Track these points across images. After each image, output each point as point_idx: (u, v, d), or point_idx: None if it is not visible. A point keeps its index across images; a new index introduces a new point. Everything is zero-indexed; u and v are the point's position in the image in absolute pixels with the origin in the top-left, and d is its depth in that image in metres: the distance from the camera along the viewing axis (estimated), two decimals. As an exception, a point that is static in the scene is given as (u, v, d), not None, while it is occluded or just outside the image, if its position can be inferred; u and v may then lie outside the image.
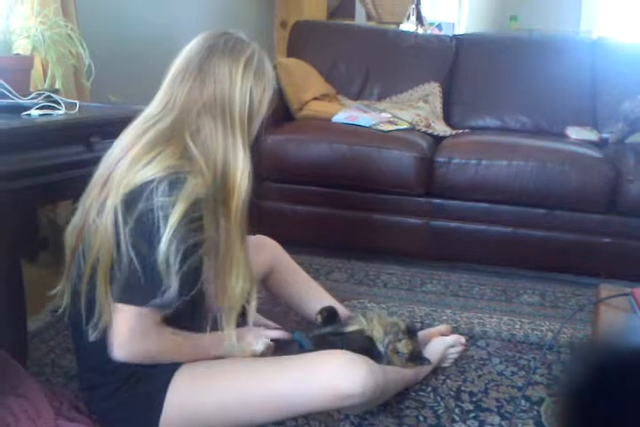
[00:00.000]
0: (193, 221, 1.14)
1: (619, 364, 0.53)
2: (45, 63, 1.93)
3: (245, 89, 1.23)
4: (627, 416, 0.51)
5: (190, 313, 1.23)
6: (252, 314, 1.32)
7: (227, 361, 1.29)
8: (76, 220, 1.25)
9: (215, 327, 1.27)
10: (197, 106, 1.21)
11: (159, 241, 1.10)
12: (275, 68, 2.68)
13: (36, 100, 1.61)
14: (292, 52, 3.13)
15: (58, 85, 1.91)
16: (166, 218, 1.10)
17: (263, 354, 1.34)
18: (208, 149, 1.21)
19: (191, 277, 1.17)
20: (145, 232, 1.12)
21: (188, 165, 1.16)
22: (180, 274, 1.13)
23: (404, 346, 1.50)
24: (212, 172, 1.20)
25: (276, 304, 1.87)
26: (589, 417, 0.53)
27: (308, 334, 1.47)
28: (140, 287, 1.14)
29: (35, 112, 1.56)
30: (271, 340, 1.37)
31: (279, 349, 1.37)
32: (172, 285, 1.12)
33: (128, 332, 1.16)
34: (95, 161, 1.25)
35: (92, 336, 1.18)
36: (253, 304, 1.31)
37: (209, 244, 1.19)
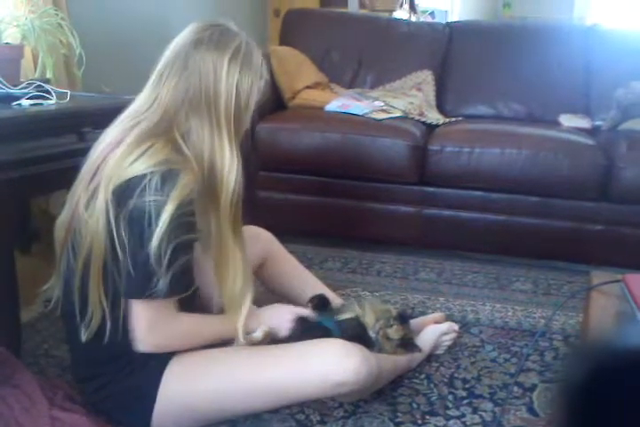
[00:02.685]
0: (185, 217, 1.14)
1: (616, 360, 0.53)
2: (36, 53, 1.92)
3: (231, 84, 1.21)
4: (625, 413, 0.51)
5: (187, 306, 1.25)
6: (247, 307, 1.32)
7: (221, 350, 1.30)
8: (65, 213, 1.25)
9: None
10: (184, 101, 1.20)
11: (151, 236, 1.11)
12: (267, 56, 2.68)
13: (26, 90, 1.60)
14: (284, 40, 3.11)
15: (49, 75, 1.90)
16: (158, 215, 1.11)
17: (261, 342, 1.34)
18: (195, 145, 1.21)
19: (187, 273, 1.19)
20: (138, 228, 1.12)
21: (179, 161, 1.16)
22: (173, 268, 1.14)
23: (394, 332, 1.50)
24: (200, 168, 1.19)
25: (270, 294, 1.87)
26: (587, 414, 0.53)
27: (335, 318, 1.48)
28: (136, 282, 1.15)
29: (25, 102, 1.55)
30: (299, 320, 1.39)
31: (306, 332, 1.39)
32: (165, 277, 1.13)
33: (145, 325, 1.19)
34: (87, 151, 1.25)
35: (84, 337, 1.20)
36: (249, 297, 1.31)
37: (202, 240, 1.20)
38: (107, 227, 1.14)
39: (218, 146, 1.21)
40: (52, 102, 1.59)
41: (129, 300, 1.18)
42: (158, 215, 1.11)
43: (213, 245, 1.24)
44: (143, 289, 1.15)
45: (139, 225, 1.12)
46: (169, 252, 1.12)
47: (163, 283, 1.14)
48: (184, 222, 1.14)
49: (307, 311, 1.46)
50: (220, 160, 1.22)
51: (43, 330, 1.74)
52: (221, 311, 1.33)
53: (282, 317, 1.39)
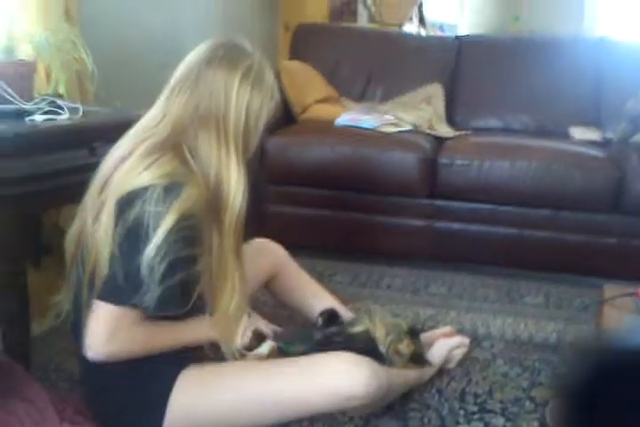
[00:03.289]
0: (184, 233, 1.13)
1: (620, 364, 0.53)
2: (49, 69, 1.94)
3: (241, 104, 1.21)
4: (626, 416, 0.51)
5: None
6: (243, 325, 1.31)
7: (232, 363, 1.30)
8: (75, 226, 1.25)
9: None
10: (193, 118, 1.21)
11: (146, 247, 1.10)
12: (277, 71, 2.70)
13: (39, 106, 1.62)
14: (294, 54, 3.13)
15: (61, 90, 1.92)
16: (157, 226, 1.10)
17: (268, 357, 1.34)
18: (202, 162, 1.20)
19: (184, 291, 1.18)
20: (133, 236, 1.12)
21: (185, 174, 1.17)
22: (165, 283, 1.12)
23: (405, 346, 1.50)
24: (206, 184, 1.20)
25: (279, 308, 1.86)
26: (589, 417, 0.53)
27: (296, 342, 1.45)
28: (119, 287, 1.13)
29: (38, 117, 1.57)
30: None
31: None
32: (154, 291, 1.12)
33: (104, 331, 1.15)
34: (98, 166, 1.25)
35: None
36: (245, 317, 1.31)
37: (203, 259, 1.19)
38: (111, 239, 1.14)
39: (225, 164, 1.22)
40: (64, 117, 1.61)
41: (98, 302, 1.15)
42: (157, 226, 1.10)
43: (213, 262, 1.23)
44: (126, 297, 1.13)
45: (136, 234, 1.11)
46: (164, 265, 1.11)
47: (151, 296, 1.12)
48: (184, 237, 1.13)
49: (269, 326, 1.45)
50: (227, 178, 1.21)
51: (53, 344, 1.75)
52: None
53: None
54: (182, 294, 1.18)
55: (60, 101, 1.67)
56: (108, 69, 2.03)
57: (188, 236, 1.15)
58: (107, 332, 1.15)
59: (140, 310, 1.16)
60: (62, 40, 1.87)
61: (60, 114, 1.61)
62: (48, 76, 1.96)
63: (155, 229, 1.10)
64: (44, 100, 1.66)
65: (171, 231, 1.11)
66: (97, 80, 2.00)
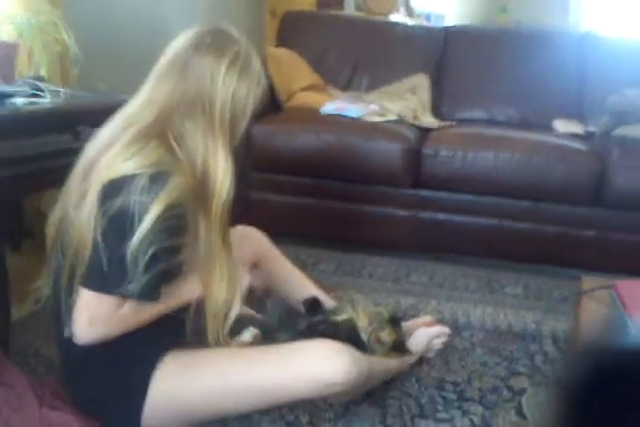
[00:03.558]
0: (170, 221, 1.13)
1: (620, 364, 0.54)
2: (31, 51, 1.91)
3: (228, 91, 1.20)
4: (626, 416, 0.51)
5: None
6: (234, 313, 1.31)
7: (212, 350, 1.30)
8: (57, 211, 1.24)
9: (198, 320, 1.27)
10: (179, 105, 1.20)
11: (131, 236, 1.09)
12: (264, 57, 2.68)
13: (21, 88, 1.60)
14: (281, 41, 3.11)
15: (43, 73, 1.90)
16: (142, 215, 1.09)
17: (251, 344, 1.34)
18: (189, 150, 1.20)
19: (168, 280, 1.18)
20: (119, 225, 1.11)
21: (171, 163, 1.16)
22: (150, 272, 1.12)
23: (386, 335, 1.51)
24: (193, 172, 1.19)
25: (263, 295, 1.86)
26: (589, 417, 0.53)
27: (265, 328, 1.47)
28: (104, 275, 1.13)
29: (20, 100, 1.55)
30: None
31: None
32: (139, 279, 1.11)
33: (88, 317, 1.14)
34: (81, 150, 1.24)
35: (66, 335, 1.18)
36: (236, 305, 1.31)
37: (189, 247, 1.18)
38: (94, 226, 1.13)
39: (212, 151, 1.21)
40: (46, 101, 1.59)
41: (83, 289, 1.14)
42: (142, 216, 1.09)
43: (201, 250, 1.22)
44: (111, 285, 1.13)
45: (121, 223, 1.10)
46: (149, 254, 1.10)
47: (136, 285, 1.12)
48: (169, 226, 1.13)
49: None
50: (214, 166, 1.21)
51: (33, 329, 1.73)
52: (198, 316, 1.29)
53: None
54: (165, 283, 1.18)
55: (41, 84, 1.65)
56: (90, 52, 2.01)
57: (174, 225, 1.14)
58: (91, 318, 1.15)
59: (124, 297, 1.15)
60: (44, 22, 1.84)
61: (42, 97, 1.59)
62: (30, 58, 1.93)
63: (140, 219, 1.09)
64: (25, 82, 1.64)
65: (156, 221, 1.10)
66: (80, 63, 1.97)
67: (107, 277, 1.13)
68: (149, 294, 1.16)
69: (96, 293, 1.14)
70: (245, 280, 1.39)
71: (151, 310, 1.22)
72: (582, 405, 0.52)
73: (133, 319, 1.19)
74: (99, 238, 1.12)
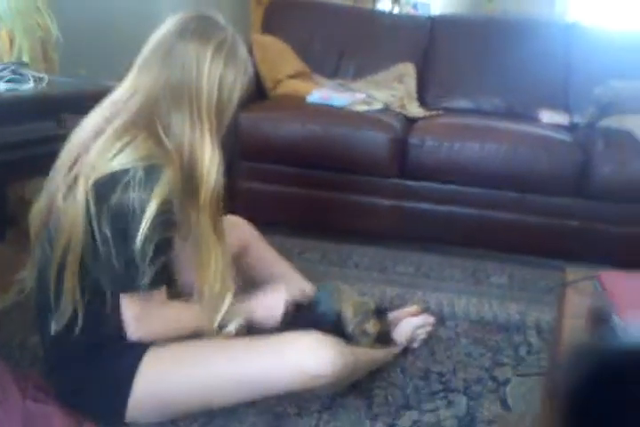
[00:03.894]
0: (166, 214, 1.13)
1: (620, 364, 0.54)
2: (12, 35, 1.87)
3: (214, 78, 1.19)
4: (626, 416, 0.51)
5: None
6: (227, 304, 1.31)
7: (198, 341, 1.29)
8: (42, 200, 1.23)
9: None
10: (165, 93, 1.18)
11: (136, 233, 1.10)
12: (249, 44, 2.65)
13: (1, 74, 1.56)
14: (267, 28, 3.08)
15: (25, 58, 1.86)
16: (143, 211, 1.10)
17: (236, 335, 1.34)
18: (176, 139, 1.19)
19: (166, 266, 1.20)
20: (121, 224, 1.11)
21: (162, 155, 1.15)
22: (155, 264, 1.14)
23: (372, 326, 1.51)
24: (181, 161, 1.18)
25: (247, 284, 1.86)
26: (589, 417, 0.53)
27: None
28: (125, 276, 1.15)
29: (1, 86, 1.52)
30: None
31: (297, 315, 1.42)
32: (148, 272, 1.14)
33: (131, 317, 1.20)
34: (65, 137, 1.22)
35: (54, 328, 1.19)
36: (229, 293, 1.30)
37: (181, 235, 1.19)
38: (86, 219, 1.13)
39: (199, 140, 1.20)
40: (29, 87, 1.56)
41: (120, 295, 1.18)
42: (142, 212, 1.10)
43: (193, 240, 1.22)
44: (129, 284, 1.16)
45: (122, 221, 1.11)
46: (152, 248, 1.12)
47: (146, 278, 1.14)
48: (166, 220, 1.14)
49: (304, 292, 1.47)
50: (201, 154, 1.20)
51: (17, 319, 1.71)
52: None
53: (273, 307, 1.39)
54: (166, 269, 1.21)
55: (24, 70, 1.62)
56: (74, 37, 1.98)
57: (170, 218, 1.16)
58: (132, 317, 1.20)
59: (142, 291, 1.17)
60: (26, 5, 1.81)
61: (24, 83, 1.56)
62: (11, 43, 1.89)
63: (141, 216, 1.10)
64: (6, 67, 1.60)
65: (155, 216, 1.11)
66: (62, 49, 1.94)
67: (123, 277, 1.16)
68: (157, 282, 1.18)
69: (126, 293, 1.18)
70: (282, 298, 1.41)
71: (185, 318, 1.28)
72: (585, 405, 0.52)
73: (172, 318, 1.26)
74: (107, 237, 1.13)
